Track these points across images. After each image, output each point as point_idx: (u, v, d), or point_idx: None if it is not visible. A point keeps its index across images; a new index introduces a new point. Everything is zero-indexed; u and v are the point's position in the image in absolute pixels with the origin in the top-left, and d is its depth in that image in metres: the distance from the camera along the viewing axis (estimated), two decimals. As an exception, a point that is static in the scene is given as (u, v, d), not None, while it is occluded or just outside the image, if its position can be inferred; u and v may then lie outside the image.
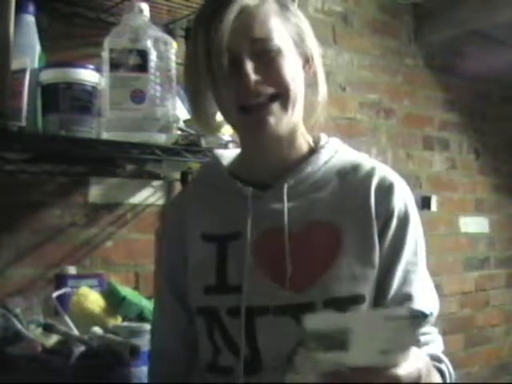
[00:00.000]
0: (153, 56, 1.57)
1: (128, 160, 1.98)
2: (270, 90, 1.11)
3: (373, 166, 1.22)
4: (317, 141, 1.26)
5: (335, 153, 1.22)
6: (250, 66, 1.10)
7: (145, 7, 1.63)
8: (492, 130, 3.57)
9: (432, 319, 1.18)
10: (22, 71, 1.49)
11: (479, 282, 3.52)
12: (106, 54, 1.57)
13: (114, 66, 1.56)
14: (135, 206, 2.16)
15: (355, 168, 1.21)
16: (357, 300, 1.12)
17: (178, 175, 2.24)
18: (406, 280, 1.16)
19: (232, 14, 1.09)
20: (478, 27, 3.05)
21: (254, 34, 1.11)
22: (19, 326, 1.50)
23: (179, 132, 1.68)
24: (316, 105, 1.22)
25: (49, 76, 1.54)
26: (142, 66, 1.56)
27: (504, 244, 3.70)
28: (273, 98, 1.12)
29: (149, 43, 1.57)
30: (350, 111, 2.87)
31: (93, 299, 1.68)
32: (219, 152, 1.31)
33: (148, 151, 1.58)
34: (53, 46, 1.74)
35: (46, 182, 1.96)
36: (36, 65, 1.57)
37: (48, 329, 1.52)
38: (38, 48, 1.62)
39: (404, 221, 1.17)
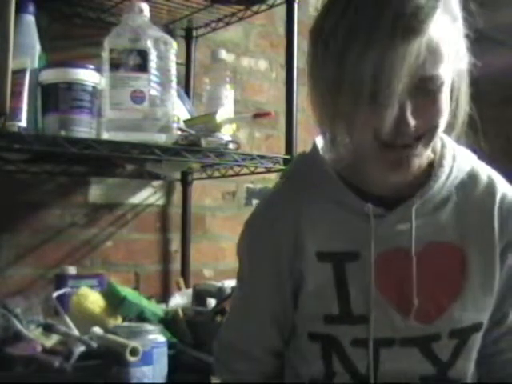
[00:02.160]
0: (153, 56, 1.57)
1: (128, 160, 1.98)
2: (421, 131, 0.95)
3: (490, 177, 1.13)
4: (443, 152, 1.11)
5: (454, 161, 1.09)
6: (409, 111, 0.92)
7: (145, 7, 1.63)
8: (490, 132, 3.56)
9: None
10: (22, 71, 1.49)
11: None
12: (106, 54, 1.56)
13: (114, 66, 1.55)
14: (135, 206, 2.16)
15: (473, 180, 1.11)
16: (478, 328, 1.07)
17: (178, 175, 2.24)
18: None
19: (414, 48, 0.88)
20: (476, 28, 3.04)
21: (425, 72, 0.91)
22: (19, 326, 1.50)
23: (179, 132, 1.68)
24: (451, 125, 1.05)
25: (49, 76, 1.54)
26: (142, 66, 1.56)
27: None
28: (420, 137, 0.96)
29: (149, 43, 1.57)
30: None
31: (93, 299, 1.68)
32: (320, 146, 1.13)
33: (148, 151, 1.58)
34: (53, 45, 1.74)
35: (46, 182, 1.96)
36: (36, 65, 1.57)
37: (48, 329, 1.52)
38: (38, 48, 1.62)
39: None
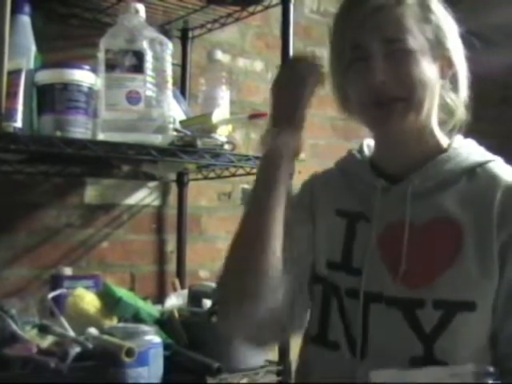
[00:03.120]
0: (148, 57, 1.57)
1: (124, 161, 1.98)
2: (396, 93, 1.12)
3: (504, 170, 1.18)
4: (451, 142, 1.24)
5: (470, 154, 1.21)
6: (379, 66, 1.11)
7: (140, 8, 1.63)
8: (489, 132, 3.57)
9: None
10: (18, 72, 1.49)
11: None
12: (101, 55, 1.57)
13: (110, 66, 1.56)
14: (131, 206, 2.16)
15: (486, 171, 1.18)
16: (467, 306, 1.09)
17: (173, 176, 2.24)
18: None
19: (366, 11, 1.11)
20: (473, 28, 3.05)
21: (387, 33, 1.12)
22: (15, 326, 1.50)
23: (175, 133, 1.68)
24: (455, 107, 1.23)
25: (44, 77, 1.54)
26: (138, 67, 1.56)
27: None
28: (398, 99, 1.13)
29: (144, 44, 1.57)
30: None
31: (88, 300, 1.68)
32: (366, 142, 1.33)
33: (144, 152, 1.58)
34: (48, 46, 1.73)
35: (41, 183, 1.96)
36: (32, 65, 1.57)
37: (43, 330, 1.52)
38: (33, 48, 1.61)
39: None
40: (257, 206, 1.19)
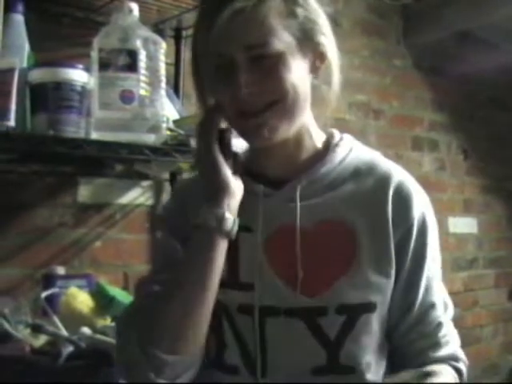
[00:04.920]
0: (142, 56, 1.57)
1: (117, 160, 1.97)
2: (268, 99, 1.05)
3: (389, 168, 1.18)
4: (330, 138, 1.21)
5: (350, 151, 1.18)
6: (243, 78, 1.04)
7: (134, 7, 1.63)
8: (480, 131, 3.59)
9: (450, 316, 1.20)
10: (11, 71, 1.48)
11: (467, 283, 3.54)
12: (95, 54, 1.56)
13: (104, 65, 1.55)
14: (124, 206, 2.16)
15: (371, 169, 1.17)
16: (368, 308, 1.10)
17: (167, 175, 2.23)
18: (428, 288, 1.15)
19: (224, 17, 1.01)
20: (466, 28, 3.07)
21: (249, 40, 1.04)
22: (7, 326, 1.50)
23: (168, 132, 1.68)
24: (328, 101, 1.16)
25: (38, 76, 1.53)
26: (132, 66, 1.56)
27: (492, 244, 3.71)
28: (270, 105, 1.06)
29: (138, 43, 1.57)
30: (338, 112, 2.87)
31: (81, 299, 1.68)
32: None
33: (137, 151, 1.58)
34: (42, 45, 1.73)
35: (34, 182, 1.95)
36: (25, 64, 1.57)
37: (36, 329, 1.52)
38: (26, 47, 1.61)
39: (423, 229, 1.15)
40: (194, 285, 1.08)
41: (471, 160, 3.54)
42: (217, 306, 1.10)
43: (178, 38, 2.26)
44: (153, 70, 1.60)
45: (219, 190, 1.10)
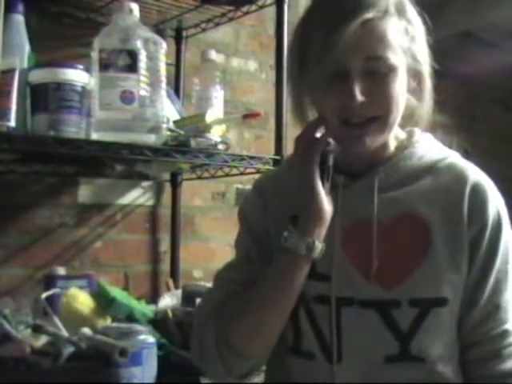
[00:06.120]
0: (142, 56, 1.57)
1: (117, 160, 1.97)
2: (374, 113, 1.08)
3: (466, 167, 1.20)
4: (410, 135, 1.24)
5: (429, 149, 1.21)
6: (358, 87, 1.05)
7: (135, 7, 1.63)
8: (481, 131, 3.58)
9: None
10: (11, 71, 1.48)
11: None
12: (95, 54, 1.56)
13: (104, 66, 1.55)
14: (124, 206, 2.16)
15: (448, 167, 1.19)
16: (440, 302, 1.11)
17: (167, 176, 2.24)
18: (496, 290, 1.14)
19: (354, 26, 1.02)
20: (467, 29, 3.06)
21: (370, 51, 1.06)
22: (8, 326, 1.49)
23: (169, 133, 1.68)
24: (418, 116, 1.20)
25: (38, 76, 1.53)
26: (132, 67, 1.55)
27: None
28: (374, 118, 1.09)
29: (139, 43, 1.57)
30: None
31: (82, 300, 1.68)
32: None
33: (137, 152, 1.58)
34: (42, 45, 1.73)
35: (35, 183, 1.96)
36: (25, 65, 1.57)
37: (37, 330, 1.52)
38: (27, 48, 1.61)
39: (497, 229, 1.15)
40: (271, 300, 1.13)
41: (472, 160, 3.52)
42: None
43: (178, 39, 2.26)
44: (153, 71, 1.60)
45: (313, 219, 1.12)
